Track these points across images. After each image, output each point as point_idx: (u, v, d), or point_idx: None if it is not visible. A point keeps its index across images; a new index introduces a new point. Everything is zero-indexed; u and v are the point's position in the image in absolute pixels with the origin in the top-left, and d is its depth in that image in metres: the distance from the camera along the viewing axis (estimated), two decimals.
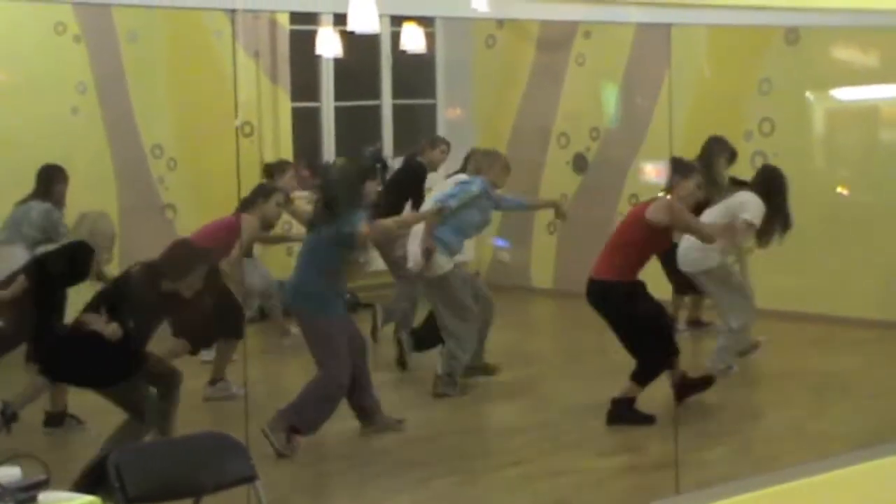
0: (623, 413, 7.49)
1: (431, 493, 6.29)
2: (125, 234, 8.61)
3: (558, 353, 8.63)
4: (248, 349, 8.07)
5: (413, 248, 8.28)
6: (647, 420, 7.46)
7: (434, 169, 10.09)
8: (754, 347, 8.68)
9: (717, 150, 8.87)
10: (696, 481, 6.14)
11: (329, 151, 11.89)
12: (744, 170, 9.73)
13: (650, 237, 7.55)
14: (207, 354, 8.23)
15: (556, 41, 11.92)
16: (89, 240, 7.37)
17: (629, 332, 7.54)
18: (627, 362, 7.73)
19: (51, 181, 8.25)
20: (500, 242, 8.38)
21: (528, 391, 8.46)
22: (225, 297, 7.99)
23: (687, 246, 8.27)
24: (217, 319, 7.85)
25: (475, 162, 8.46)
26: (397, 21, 11.34)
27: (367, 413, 7.28)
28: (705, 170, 8.29)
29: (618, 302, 7.50)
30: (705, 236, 7.85)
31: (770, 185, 8.34)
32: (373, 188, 7.48)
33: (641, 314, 7.48)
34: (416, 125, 12.59)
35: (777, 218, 8.26)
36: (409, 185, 9.89)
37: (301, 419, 6.91)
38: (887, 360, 8.66)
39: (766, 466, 6.46)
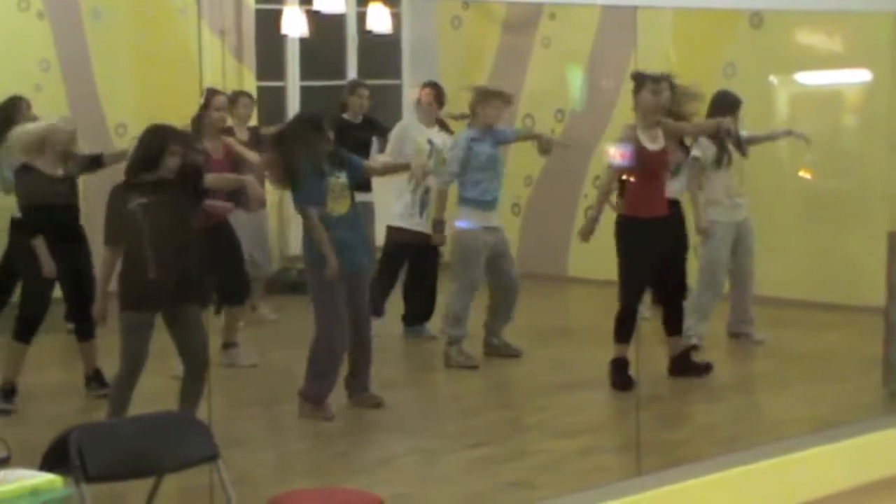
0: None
1: (392, 474, 6.30)
2: (89, 213, 8.55)
3: (520, 334, 8.64)
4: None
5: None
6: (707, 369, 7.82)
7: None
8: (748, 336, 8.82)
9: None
10: (658, 462, 6.17)
11: None
12: None
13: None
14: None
15: (521, 22, 11.94)
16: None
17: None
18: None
19: (10, 115, 8.06)
20: (463, 224, 8.36)
21: (489, 372, 8.45)
22: (228, 261, 8.01)
23: None
24: (219, 284, 7.90)
25: (471, 102, 8.48)
26: (363, 1, 11.32)
27: (355, 385, 7.36)
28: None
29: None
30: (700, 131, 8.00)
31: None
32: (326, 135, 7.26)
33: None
34: (382, 105, 12.56)
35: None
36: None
37: (310, 390, 7.10)
38: (849, 345, 8.70)
39: (726, 448, 6.49)
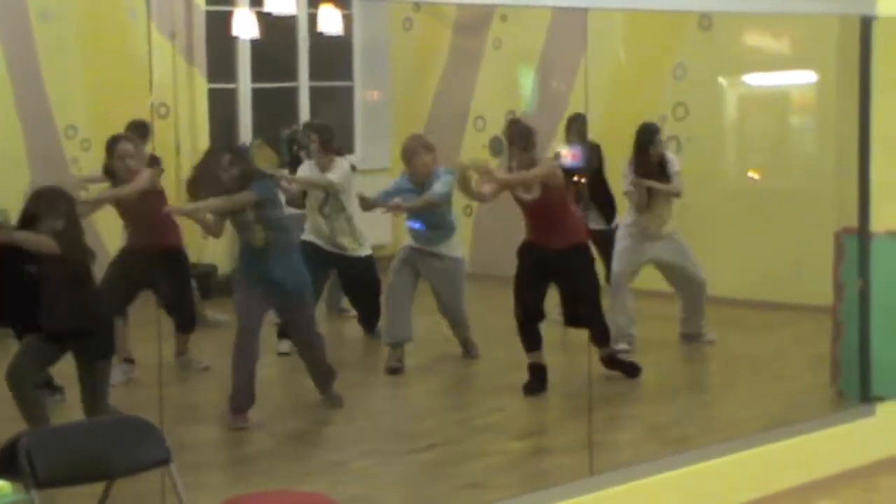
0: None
1: (347, 476, 6.28)
2: None
3: (473, 335, 8.64)
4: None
5: None
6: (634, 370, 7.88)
7: None
8: (700, 337, 8.87)
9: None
10: (610, 463, 6.18)
11: (246, 133, 11.81)
12: None
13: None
14: None
15: (472, 24, 11.94)
16: None
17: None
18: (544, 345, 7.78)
19: None
20: (415, 224, 8.36)
21: (442, 373, 8.47)
22: (178, 290, 8.05)
23: None
24: (168, 310, 7.93)
25: (402, 153, 8.52)
26: (314, 2, 11.28)
27: (319, 389, 7.41)
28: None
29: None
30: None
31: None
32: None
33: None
34: (334, 107, 12.54)
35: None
36: None
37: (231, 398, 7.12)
38: (794, 344, 8.77)
39: (677, 447, 6.51)
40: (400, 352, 8.40)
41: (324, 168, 8.82)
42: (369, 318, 9.20)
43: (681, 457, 6.22)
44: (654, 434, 7.06)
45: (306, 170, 9.07)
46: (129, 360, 7.95)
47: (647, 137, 8.57)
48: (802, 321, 8.84)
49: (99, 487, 4.32)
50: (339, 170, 8.80)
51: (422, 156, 8.33)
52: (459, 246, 8.60)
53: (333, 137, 9.06)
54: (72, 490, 4.16)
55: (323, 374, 7.45)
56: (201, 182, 7.08)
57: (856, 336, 7.14)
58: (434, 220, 8.41)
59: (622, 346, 8.44)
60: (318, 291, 8.79)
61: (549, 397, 7.72)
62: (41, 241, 6.29)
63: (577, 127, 9.05)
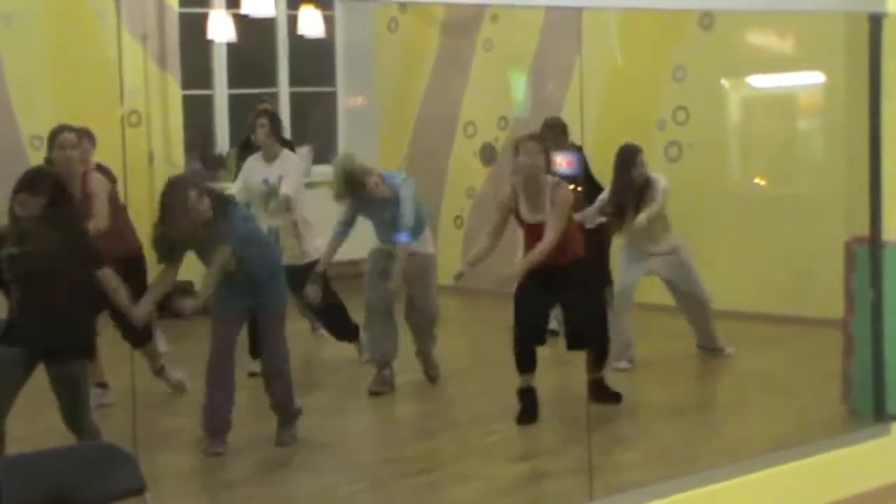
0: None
1: (337, 502, 6.16)
2: None
3: (466, 353, 8.53)
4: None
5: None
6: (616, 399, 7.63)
7: None
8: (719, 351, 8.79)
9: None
10: (611, 486, 6.06)
11: (223, 142, 11.74)
12: (657, 160, 9.70)
13: None
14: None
15: (461, 25, 11.90)
16: None
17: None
18: (541, 364, 7.54)
19: None
20: (403, 238, 8.17)
21: (435, 394, 8.33)
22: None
23: None
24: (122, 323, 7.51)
25: None
26: (294, 4, 11.27)
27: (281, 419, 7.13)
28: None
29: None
30: None
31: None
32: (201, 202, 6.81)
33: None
34: (316, 114, 12.40)
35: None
36: None
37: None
38: (804, 359, 8.64)
39: (681, 470, 6.35)
40: (387, 373, 8.15)
41: (271, 159, 8.51)
42: (341, 333, 8.84)
43: (685, 480, 6.05)
44: (657, 456, 6.94)
45: (252, 164, 8.64)
46: (102, 385, 7.72)
47: (627, 160, 8.44)
48: (812, 335, 8.73)
49: None
50: (289, 166, 8.49)
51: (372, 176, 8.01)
52: (430, 243, 8.29)
53: (281, 126, 8.84)
54: None
55: (286, 409, 7.11)
56: (175, 229, 6.67)
57: (868, 351, 7.00)
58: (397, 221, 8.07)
59: (623, 364, 8.34)
60: None
61: (547, 418, 7.57)
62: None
63: (553, 134, 8.77)
